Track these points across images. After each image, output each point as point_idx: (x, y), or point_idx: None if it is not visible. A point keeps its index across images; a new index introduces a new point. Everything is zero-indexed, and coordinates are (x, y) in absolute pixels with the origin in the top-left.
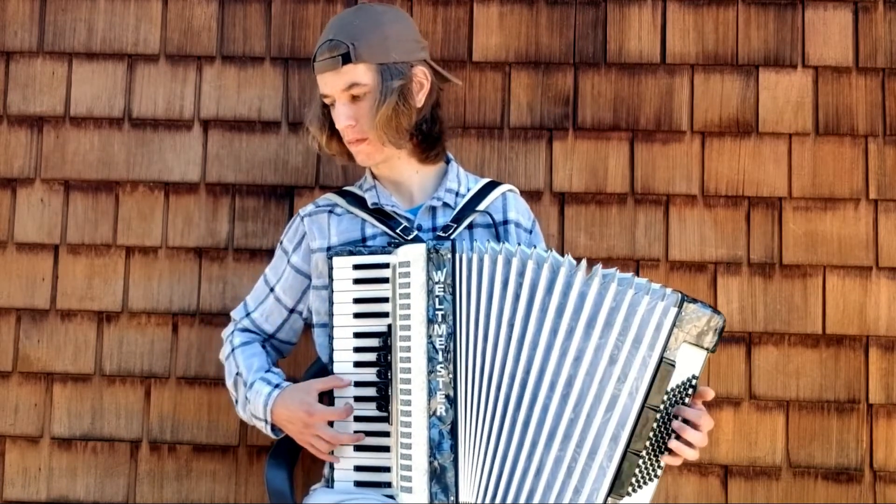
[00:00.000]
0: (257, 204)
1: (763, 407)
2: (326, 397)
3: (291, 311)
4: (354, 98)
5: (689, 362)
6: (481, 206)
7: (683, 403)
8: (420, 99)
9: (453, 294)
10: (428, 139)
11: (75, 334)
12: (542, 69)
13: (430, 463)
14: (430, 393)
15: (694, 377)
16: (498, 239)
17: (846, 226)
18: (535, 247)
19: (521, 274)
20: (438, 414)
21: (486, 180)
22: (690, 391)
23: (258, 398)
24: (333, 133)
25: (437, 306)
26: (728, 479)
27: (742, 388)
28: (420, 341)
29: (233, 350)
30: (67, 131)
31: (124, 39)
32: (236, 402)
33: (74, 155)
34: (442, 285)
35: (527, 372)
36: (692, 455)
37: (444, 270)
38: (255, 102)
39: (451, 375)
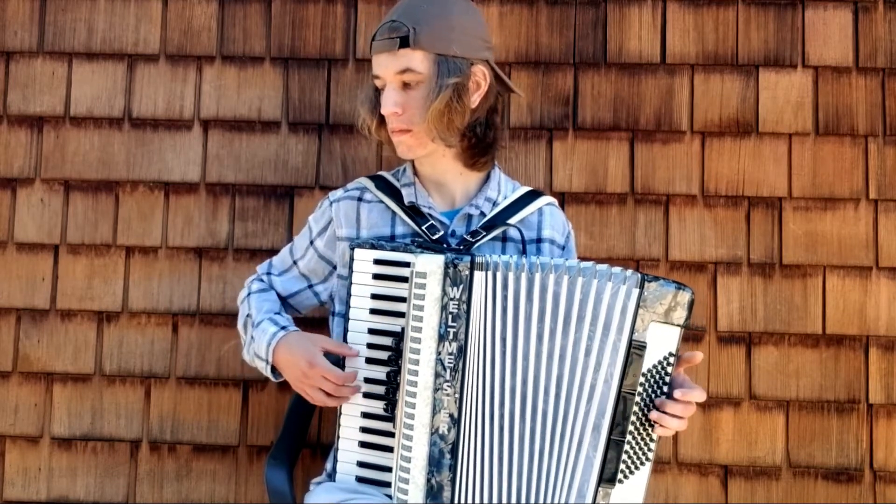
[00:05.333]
0: (257, 204)
1: (763, 407)
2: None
3: (310, 286)
4: (406, 85)
5: (662, 341)
6: (514, 220)
7: (664, 382)
8: (475, 100)
9: (468, 312)
10: (480, 144)
11: (75, 334)
12: (542, 69)
13: (428, 480)
14: (434, 410)
15: (671, 354)
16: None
17: (846, 226)
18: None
19: (505, 286)
20: (441, 432)
21: (525, 189)
22: (670, 369)
23: (263, 337)
24: (384, 119)
25: (450, 323)
26: (728, 479)
27: (742, 388)
28: (429, 357)
29: (248, 294)
30: (67, 131)
31: (124, 39)
32: (243, 344)
33: (74, 155)
34: (457, 302)
35: (524, 383)
36: (676, 424)
37: (461, 287)
38: (255, 102)
39: (457, 395)
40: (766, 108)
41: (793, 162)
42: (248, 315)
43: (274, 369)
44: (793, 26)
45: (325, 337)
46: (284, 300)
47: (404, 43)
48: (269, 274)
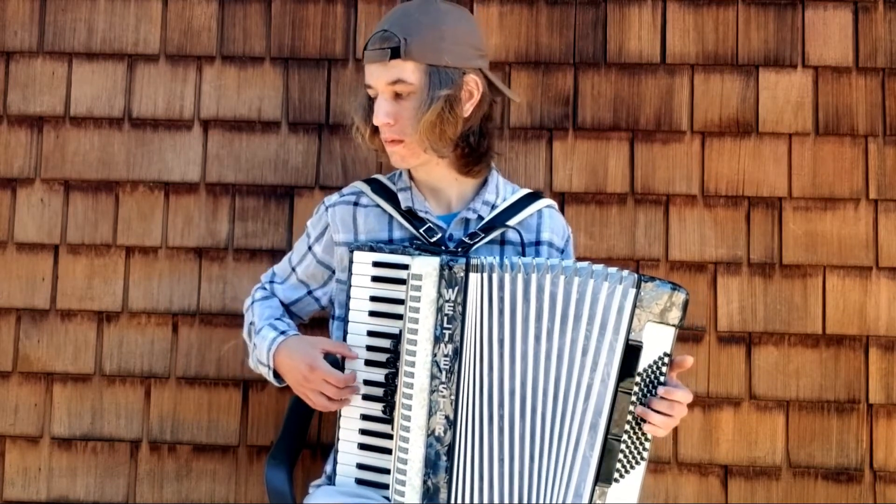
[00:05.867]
0: (257, 204)
1: (763, 407)
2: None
3: (309, 292)
4: (397, 96)
5: (657, 341)
6: (513, 221)
7: (659, 382)
8: (468, 109)
9: (463, 313)
10: (473, 154)
11: (75, 334)
12: (542, 69)
13: (424, 482)
14: (430, 412)
15: (666, 354)
16: None
17: (846, 226)
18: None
19: (501, 288)
20: (437, 434)
21: (524, 192)
22: (664, 368)
23: (263, 343)
24: (377, 128)
25: (445, 325)
26: (728, 479)
27: (742, 388)
28: (425, 359)
29: (253, 303)
30: (67, 131)
31: (124, 39)
32: (249, 352)
33: (74, 155)
34: (452, 304)
35: (522, 384)
36: (661, 421)
37: (456, 289)
38: (255, 102)
39: (453, 396)
40: (766, 108)
41: (793, 162)
42: (251, 323)
43: (277, 374)
44: (793, 26)
45: (324, 339)
46: (287, 307)
47: (395, 54)
48: (271, 282)
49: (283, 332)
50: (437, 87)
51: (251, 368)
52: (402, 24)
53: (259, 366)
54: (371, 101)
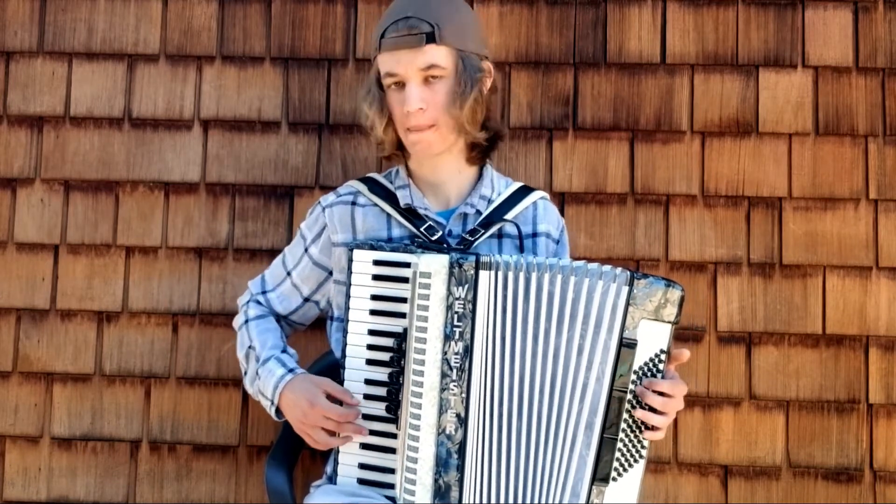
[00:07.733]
0: (257, 204)
1: (763, 407)
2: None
3: (307, 299)
4: (428, 81)
5: (653, 338)
6: (510, 215)
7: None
8: (485, 93)
9: (474, 311)
10: (494, 138)
11: (75, 334)
12: (542, 69)
13: (435, 480)
14: (441, 410)
15: (662, 351)
16: (522, 252)
17: (846, 226)
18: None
19: (506, 286)
20: (448, 432)
21: (517, 185)
22: (661, 366)
23: (270, 378)
24: (391, 120)
25: (456, 323)
26: (728, 479)
27: (742, 388)
28: (435, 357)
29: (247, 321)
30: (67, 131)
31: (124, 39)
32: (245, 373)
33: (74, 155)
34: (462, 301)
35: (521, 382)
36: (661, 420)
37: (467, 286)
38: (255, 102)
39: (464, 394)
40: (766, 108)
41: (793, 162)
42: (250, 347)
43: (278, 409)
44: (793, 26)
45: (328, 380)
46: (285, 318)
47: (430, 39)
48: (264, 293)
49: (291, 370)
50: (471, 70)
51: (248, 392)
52: (426, 10)
53: (260, 396)
54: (383, 92)
